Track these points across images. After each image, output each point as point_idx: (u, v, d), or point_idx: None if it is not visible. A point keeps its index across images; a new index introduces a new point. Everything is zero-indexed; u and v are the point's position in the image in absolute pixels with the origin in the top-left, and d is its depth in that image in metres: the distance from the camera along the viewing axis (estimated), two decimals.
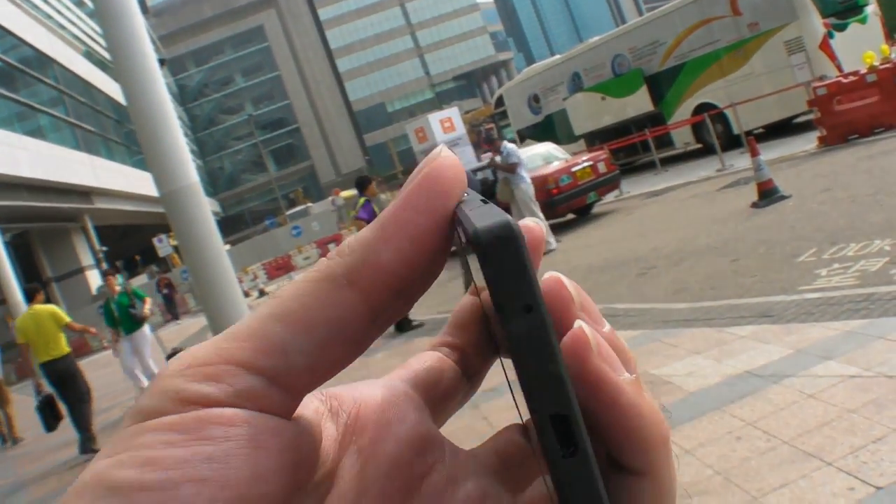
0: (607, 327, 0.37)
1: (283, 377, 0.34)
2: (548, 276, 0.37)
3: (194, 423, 0.32)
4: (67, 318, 11.39)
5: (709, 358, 5.95)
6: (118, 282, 13.18)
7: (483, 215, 0.34)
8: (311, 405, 0.40)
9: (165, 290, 19.84)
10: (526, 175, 14.42)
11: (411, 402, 0.43)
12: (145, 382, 12.25)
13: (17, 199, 37.72)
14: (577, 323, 0.35)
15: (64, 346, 11.24)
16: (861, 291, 6.50)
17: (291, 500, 0.35)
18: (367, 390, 0.43)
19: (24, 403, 16.00)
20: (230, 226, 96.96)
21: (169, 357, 12.45)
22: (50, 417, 11.71)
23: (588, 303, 0.37)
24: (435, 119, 34.20)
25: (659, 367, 6.11)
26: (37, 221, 43.90)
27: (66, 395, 11.28)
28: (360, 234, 0.38)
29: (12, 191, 37.20)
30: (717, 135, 18.88)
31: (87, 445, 10.86)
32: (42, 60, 47.62)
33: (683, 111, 22.17)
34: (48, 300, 13.21)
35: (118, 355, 12.75)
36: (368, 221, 10.56)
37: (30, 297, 11.80)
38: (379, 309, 0.37)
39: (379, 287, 0.37)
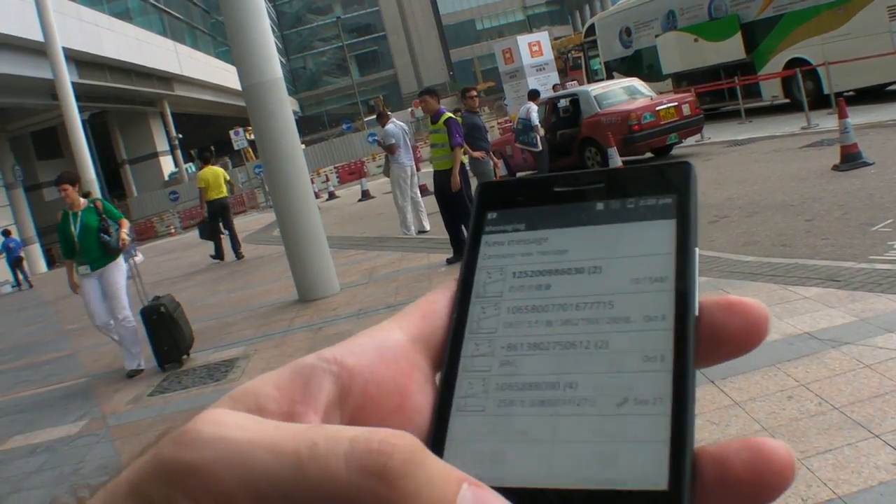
0: None
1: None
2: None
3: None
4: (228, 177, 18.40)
5: (770, 314, 5.89)
6: (95, 197, 9.98)
7: None
8: (324, 387, 0.38)
9: None
10: (405, 158, 14.53)
11: (421, 390, 0.40)
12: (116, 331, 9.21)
13: (99, 78, 38.27)
14: None
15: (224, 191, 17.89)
16: None
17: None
18: (380, 369, 0.40)
19: None
20: (307, 126, 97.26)
21: (145, 310, 8.98)
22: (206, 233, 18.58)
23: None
24: (524, 41, 33.96)
25: None
26: (116, 102, 44.52)
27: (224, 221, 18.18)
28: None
29: (95, 70, 37.74)
30: (807, 92, 18.43)
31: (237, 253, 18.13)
32: None
33: (775, 64, 21.55)
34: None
35: (81, 295, 9.18)
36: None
37: (205, 161, 18.17)
38: None
39: None
